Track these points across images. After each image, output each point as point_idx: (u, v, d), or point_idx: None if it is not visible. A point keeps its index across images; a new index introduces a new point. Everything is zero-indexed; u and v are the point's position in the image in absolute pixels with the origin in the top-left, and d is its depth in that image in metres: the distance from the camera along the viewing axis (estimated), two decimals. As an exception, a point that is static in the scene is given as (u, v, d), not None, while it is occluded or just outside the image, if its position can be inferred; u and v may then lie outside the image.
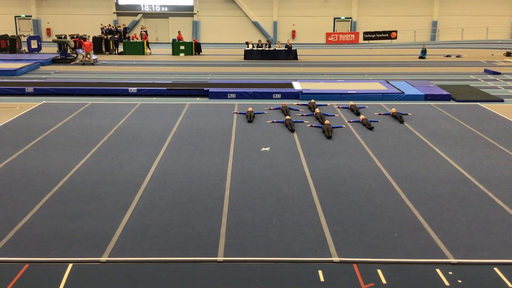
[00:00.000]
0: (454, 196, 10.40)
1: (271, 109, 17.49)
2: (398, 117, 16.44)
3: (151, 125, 15.85)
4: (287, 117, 15.99)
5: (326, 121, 15.21)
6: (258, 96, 20.02)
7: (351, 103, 18.19)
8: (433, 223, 9.14)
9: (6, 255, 7.97)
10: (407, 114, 16.94)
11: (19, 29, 45.01)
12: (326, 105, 18.53)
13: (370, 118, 16.34)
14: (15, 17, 45.19)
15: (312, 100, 18.38)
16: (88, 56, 29.66)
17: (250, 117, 16.33)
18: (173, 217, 9.36)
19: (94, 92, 20.69)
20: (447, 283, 7.25)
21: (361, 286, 7.20)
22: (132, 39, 36.13)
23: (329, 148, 13.63)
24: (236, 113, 17.18)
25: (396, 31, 40.92)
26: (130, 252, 8.09)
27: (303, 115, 16.78)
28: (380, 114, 17.21)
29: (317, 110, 16.97)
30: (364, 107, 18.18)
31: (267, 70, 27.89)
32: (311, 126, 15.51)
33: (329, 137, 14.43)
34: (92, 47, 30.90)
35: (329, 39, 42.08)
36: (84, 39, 32.28)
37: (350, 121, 16.20)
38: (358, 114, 17.07)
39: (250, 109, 16.94)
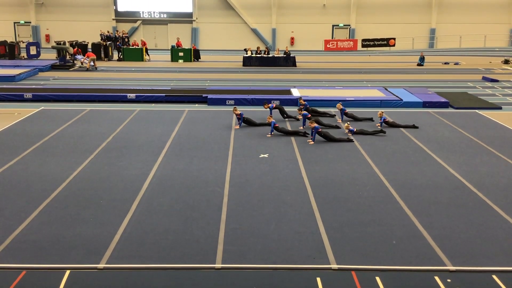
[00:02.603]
0: (452, 203, 10.40)
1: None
2: (395, 125, 16.43)
3: (150, 131, 15.84)
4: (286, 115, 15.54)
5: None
6: (256, 103, 20.03)
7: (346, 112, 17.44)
8: (431, 230, 9.13)
9: (4, 261, 7.94)
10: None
11: (18, 35, 45.02)
12: (329, 113, 18.00)
13: (369, 128, 16.11)
14: (14, 23, 45.20)
15: (301, 100, 18.00)
16: (93, 62, 29.75)
17: (249, 122, 16.38)
18: (171, 223, 9.34)
19: (93, 98, 20.71)
20: (445, 291, 7.25)
21: (359, 293, 7.20)
22: (132, 46, 36.16)
23: (328, 154, 13.64)
24: (239, 124, 16.60)
25: (394, 39, 40.95)
26: (128, 258, 8.07)
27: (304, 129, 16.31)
28: (383, 122, 16.70)
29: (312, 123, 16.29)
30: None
31: (266, 77, 27.92)
32: (311, 141, 14.77)
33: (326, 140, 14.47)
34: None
35: (328, 46, 42.10)
36: (81, 47, 32.28)
37: (352, 132, 15.97)
38: (356, 119, 17.07)
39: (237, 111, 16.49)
